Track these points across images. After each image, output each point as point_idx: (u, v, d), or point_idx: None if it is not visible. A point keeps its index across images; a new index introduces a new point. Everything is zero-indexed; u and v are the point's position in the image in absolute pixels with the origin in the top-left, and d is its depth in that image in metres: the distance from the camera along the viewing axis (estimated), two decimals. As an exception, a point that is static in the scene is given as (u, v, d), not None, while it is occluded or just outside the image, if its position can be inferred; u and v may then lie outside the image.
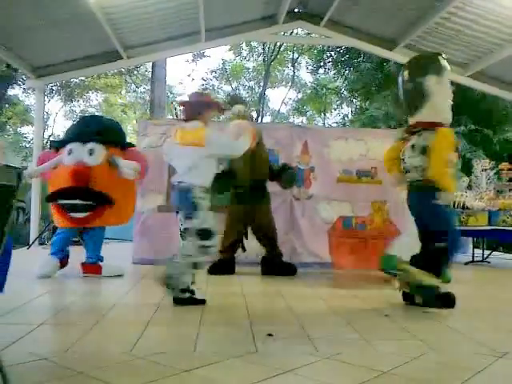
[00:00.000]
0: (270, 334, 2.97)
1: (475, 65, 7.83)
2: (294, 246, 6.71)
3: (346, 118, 19.80)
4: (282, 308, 3.94)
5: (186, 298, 3.84)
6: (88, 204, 5.06)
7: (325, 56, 16.98)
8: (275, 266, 5.80)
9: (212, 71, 25.10)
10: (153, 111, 11.32)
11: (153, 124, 6.99)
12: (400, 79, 4.33)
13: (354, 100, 17.62)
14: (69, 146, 5.19)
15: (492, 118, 11.97)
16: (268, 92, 25.74)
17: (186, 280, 3.85)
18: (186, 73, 43.28)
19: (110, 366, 2.37)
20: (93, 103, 24.51)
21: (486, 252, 8.21)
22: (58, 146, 5.47)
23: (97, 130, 5.30)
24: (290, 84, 24.80)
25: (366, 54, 12.70)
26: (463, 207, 7.21)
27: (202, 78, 25.07)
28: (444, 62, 4.17)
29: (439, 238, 4.05)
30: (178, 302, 3.84)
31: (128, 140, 6.02)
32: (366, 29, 8.00)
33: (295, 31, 15.30)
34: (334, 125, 21.11)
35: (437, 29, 7.17)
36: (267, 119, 24.67)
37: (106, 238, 10.06)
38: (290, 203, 6.75)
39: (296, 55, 23.46)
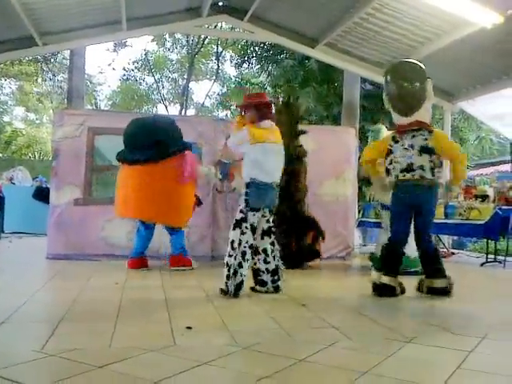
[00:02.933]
0: (188, 327, 2.96)
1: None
2: (216, 239, 6.71)
3: (269, 113, 20.00)
4: (203, 301, 3.94)
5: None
6: None
7: (249, 51, 17.05)
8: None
9: (134, 61, 24.55)
10: (71, 101, 10.84)
11: (69, 114, 6.71)
12: (394, 81, 4.44)
13: (277, 95, 17.84)
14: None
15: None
16: (192, 85, 25.59)
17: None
18: (107, 62, 42.02)
19: (20, 365, 2.26)
20: (6, 91, 23.19)
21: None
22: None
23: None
24: (214, 77, 24.73)
25: (289, 50, 12.91)
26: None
27: (124, 68, 24.46)
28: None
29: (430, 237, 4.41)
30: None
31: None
32: (288, 26, 8.12)
33: (219, 25, 15.30)
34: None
35: (356, 29, 7.41)
36: (191, 112, 24.49)
37: (19, 232, 9.68)
38: (212, 197, 6.74)
39: (220, 49, 23.41)
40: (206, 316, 3.40)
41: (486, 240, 7.35)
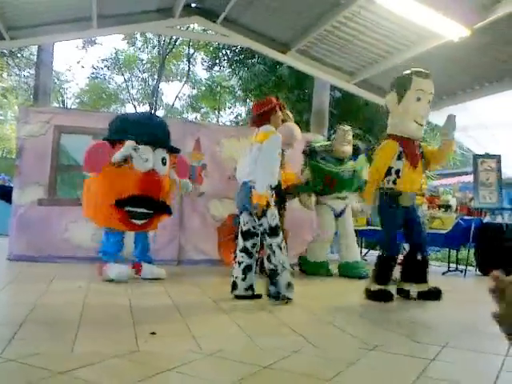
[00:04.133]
0: (153, 333, 2.93)
1: (360, 73, 8.28)
2: (182, 244, 6.66)
3: (239, 117, 20.03)
4: (167, 306, 3.89)
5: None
6: (149, 213, 5.11)
7: (220, 54, 17.04)
8: None
9: (103, 60, 24.22)
10: (37, 98, 10.58)
11: (35, 111, 6.56)
12: None
13: (248, 100, 17.87)
14: (139, 149, 4.96)
15: (375, 125, 12.76)
16: (162, 86, 25.36)
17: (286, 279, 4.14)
18: (76, 59, 41.29)
19: (-25, 371, 2.19)
20: (-32, 85, 22.49)
21: (364, 250, 8.78)
22: (117, 138, 5.04)
23: (163, 135, 5.30)
24: (184, 79, 24.60)
25: (261, 55, 12.95)
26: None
27: (93, 66, 24.10)
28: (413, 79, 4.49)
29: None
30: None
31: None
32: (261, 31, 8.14)
33: (192, 26, 15.23)
34: (228, 123, 21.27)
35: (327, 36, 7.48)
36: (160, 113, 24.24)
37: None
38: (179, 200, 6.69)
39: (192, 51, 23.31)
40: (171, 322, 3.37)
41: (447, 249, 7.53)
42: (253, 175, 4.15)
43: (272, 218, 4.12)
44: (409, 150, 4.50)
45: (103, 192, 4.97)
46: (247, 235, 4.31)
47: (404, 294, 4.59)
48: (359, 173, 6.23)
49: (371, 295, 4.44)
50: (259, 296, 4.31)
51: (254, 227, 4.28)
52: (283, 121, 4.68)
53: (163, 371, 2.28)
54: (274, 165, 4.18)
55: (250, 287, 4.31)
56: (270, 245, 4.13)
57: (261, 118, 4.34)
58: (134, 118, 5.40)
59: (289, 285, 4.14)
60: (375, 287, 4.45)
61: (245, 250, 4.31)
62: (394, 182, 4.50)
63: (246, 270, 4.29)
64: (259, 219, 4.14)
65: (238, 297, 4.26)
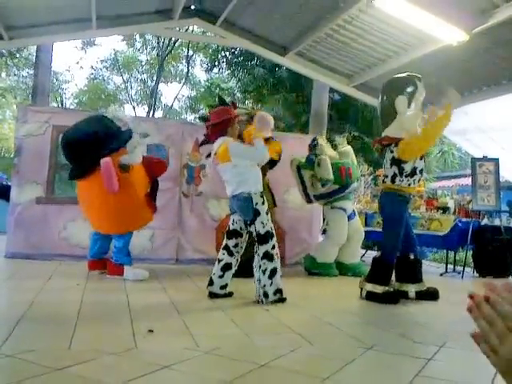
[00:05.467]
0: (150, 330, 2.93)
1: (359, 76, 8.29)
2: (181, 243, 6.67)
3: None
4: (165, 304, 3.90)
5: (277, 299, 4.13)
6: None
7: (219, 56, 17.07)
8: None
9: (102, 61, 24.20)
10: (35, 98, 10.59)
11: (34, 111, 6.56)
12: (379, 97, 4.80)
13: (247, 101, 17.90)
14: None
15: (372, 128, 12.81)
16: (161, 87, 25.35)
17: (274, 287, 4.11)
18: (74, 60, 41.25)
19: (-27, 366, 2.19)
20: (-33, 84, 22.48)
21: (362, 251, 8.78)
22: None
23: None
24: (183, 80, 24.60)
25: (260, 57, 12.98)
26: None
27: (92, 67, 24.09)
28: (417, 84, 4.57)
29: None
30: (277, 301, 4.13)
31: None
32: (260, 33, 8.15)
33: (191, 28, 15.24)
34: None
35: (326, 39, 7.50)
36: (159, 114, 24.26)
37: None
38: (178, 200, 6.70)
39: (191, 52, 23.32)
40: (169, 319, 3.37)
41: (445, 251, 7.54)
42: (241, 189, 4.17)
43: (261, 225, 4.11)
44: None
45: (133, 195, 5.06)
46: (232, 234, 4.31)
47: (402, 295, 4.59)
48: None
49: (376, 297, 4.41)
50: (230, 294, 4.30)
51: (241, 228, 4.29)
52: (239, 135, 4.63)
53: (160, 368, 2.29)
54: (249, 149, 4.27)
55: (225, 286, 4.29)
56: (257, 252, 4.13)
57: (217, 127, 4.31)
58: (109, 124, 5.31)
59: (277, 291, 4.12)
60: (379, 289, 4.44)
61: (226, 248, 4.31)
62: (415, 183, 4.57)
63: (225, 268, 4.28)
64: (249, 226, 4.15)
65: (211, 294, 4.24)
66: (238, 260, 4.34)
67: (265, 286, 4.08)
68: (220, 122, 4.30)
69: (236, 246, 4.31)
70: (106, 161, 4.73)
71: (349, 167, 6.20)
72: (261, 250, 4.11)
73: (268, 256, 4.10)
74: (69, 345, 2.59)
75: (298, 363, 2.55)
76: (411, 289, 4.63)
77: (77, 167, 5.05)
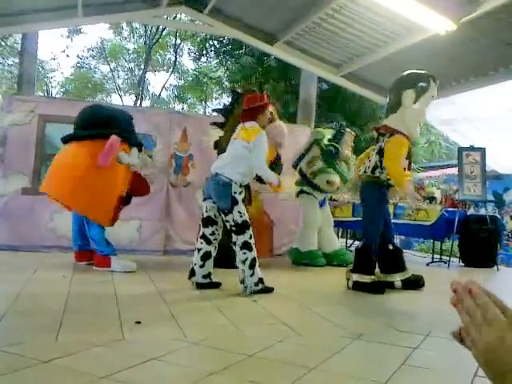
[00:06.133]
0: (138, 322, 2.93)
1: (347, 66, 8.28)
2: (169, 234, 6.66)
3: (226, 108, 19.90)
4: (153, 295, 3.89)
5: (260, 289, 4.12)
6: None
7: (207, 44, 16.93)
8: None
9: (89, 49, 23.92)
10: (21, 86, 10.43)
11: (19, 100, 6.48)
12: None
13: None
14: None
15: (360, 118, 12.82)
16: (148, 76, 25.12)
17: (256, 277, 4.11)
18: (60, 48, 40.67)
19: (-42, 360, 2.17)
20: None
21: (350, 241, 8.85)
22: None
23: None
24: (171, 69, 24.39)
25: (248, 46, 12.90)
26: (330, 199, 7.65)
27: (78, 56, 23.80)
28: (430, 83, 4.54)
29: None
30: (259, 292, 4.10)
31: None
32: (248, 22, 8.09)
33: (178, 16, 15.08)
34: (215, 114, 21.19)
35: (314, 28, 7.47)
36: (146, 103, 24.07)
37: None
38: (166, 190, 6.68)
39: (178, 41, 23.11)
40: (156, 310, 3.37)
41: (432, 240, 7.61)
42: (225, 169, 4.15)
43: (238, 214, 4.09)
44: (410, 152, 4.59)
45: (112, 185, 5.01)
46: (207, 222, 4.30)
47: (389, 286, 4.63)
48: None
49: (364, 287, 4.44)
50: (218, 284, 4.32)
51: (215, 215, 4.27)
52: (270, 121, 4.65)
53: (148, 360, 2.28)
54: (264, 162, 4.21)
55: (208, 275, 4.29)
56: (235, 242, 4.13)
57: (249, 112, 4.32)
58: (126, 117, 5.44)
59: (259, 281, 4.13)
60: (366, 278, 4.47)
61: (203, 236, 4.29)
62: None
63: (205, 256, 4.27)
64: (226, 215, 4.13)
65: (197, 285, 4.24)
66: (216, 247, 4.33)
67: (245, 276, 4.08)
68: (251, 108, 4.32)
69: (213, 233, 4.29)
70: (115, 138, 4.92)
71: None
72: (240, 239, 4.09)
73: (247, 246, 4.09)
74: (56, 337, 2.58)
75: (286, 353, 2.56)
76: (396, 278, 4.67)
77: (81, 132, 5.09)
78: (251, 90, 5.87)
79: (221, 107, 5.74)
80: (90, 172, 4.81)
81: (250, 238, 4.13)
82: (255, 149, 4.14)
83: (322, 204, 6.52)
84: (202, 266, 4.26)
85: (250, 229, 4.15)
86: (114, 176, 4.98)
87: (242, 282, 4.10)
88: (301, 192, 6.44)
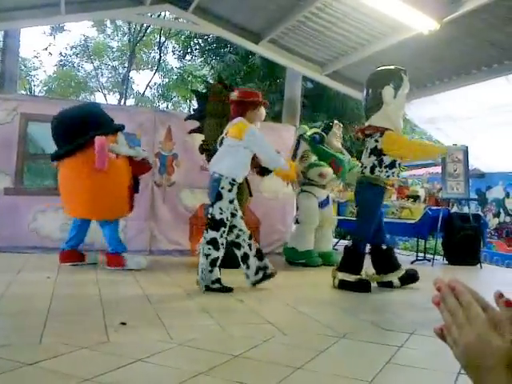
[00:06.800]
0: (123, 323, 2.91)
1: (332, 65, 8.30)
2: (154, 234, 6.62)
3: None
4: (138, 296, 3.87)
5: (216, 288, 4.10)
6: None
7: (192, 43, 16.87)
8: None
9: (72, 47, 23.64)
10: (3, 85, 10.29)
11: (1, 99, 6.40)
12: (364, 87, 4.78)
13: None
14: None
15: (344, 116, 12.87)
16: (132, 74, 24.91)
17: (214, 275, 4.11)
18: (43, 46, 40.22)
19: None
20: None
21: (335, 240, 8.87)
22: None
23: None
24: (155, 68, 24.24)
25: (233, 44, 12.87)
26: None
27: (61, 53, 23.52)
28: (403, 77, 4.60)
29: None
30: (208, 289, 4.09)
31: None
32: (233, 20, 8.07)
33: (163, 14, 15.01)
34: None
35: (299, 27, 7.47)
36: (131, 102, 23.90)
37: None
38: (151, 190, 6.64)
39: (163, 39, 22.97)
40: (141, 311, 3.35)
41: (416, 239, 7.67)
42: (217, 166, 4.17)
43: (218, 211, 4.09)
44: None
45: (117, 182, 5.05)
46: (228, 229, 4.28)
47: (388, 285, 4.67)
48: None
49: (349, 286, 4.45)
50: (230, 289, 4.21)
51: (227, 218, 4.24)
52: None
53: (133, 361, 2.27)
54: (270, 148, 4.27)
55: (218, 281, 4.21)
56: (205, 238, 4.13)
57: (240, 106, 4.29)
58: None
59: (216, 280, 4.12)
60: (351, 277, 4.48)
61: (233, 243, 4.31)
62: (393, 175, 4.60)
63: (244, 259, 4.30)
64: (211, 206, 4.16)
65: (207, 288, 4.17)
66: (250, 246, 4.34)
67: (204, 270, 4.08)
68: (242, 101, 4.29)
69: (238, 236, 4.32)
70: (100, 138, 4.85)
71: (339, 166, 6.22)
72: (210, 234, 4.10)
73: (215, 243, 4.09)
74: (39, 339, 2.55)
75: (272, 353, 2.56)
76: (394, 277, 4.70)
77: (63, 147, 5.00)
78: (218, 86, 5.79)
79: (192, 113, 5.69)
80: (95, 179, 4.87)
81: (221, 237, 4.12)
82: (254, 146, 4.16)
83: (324, 203, 6.48)
84: (248, 268, 4.31)
85: (225, 230, 4.14)
86: (117, 171, 5.04)
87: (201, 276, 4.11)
88: (301, 192, 6.42)
